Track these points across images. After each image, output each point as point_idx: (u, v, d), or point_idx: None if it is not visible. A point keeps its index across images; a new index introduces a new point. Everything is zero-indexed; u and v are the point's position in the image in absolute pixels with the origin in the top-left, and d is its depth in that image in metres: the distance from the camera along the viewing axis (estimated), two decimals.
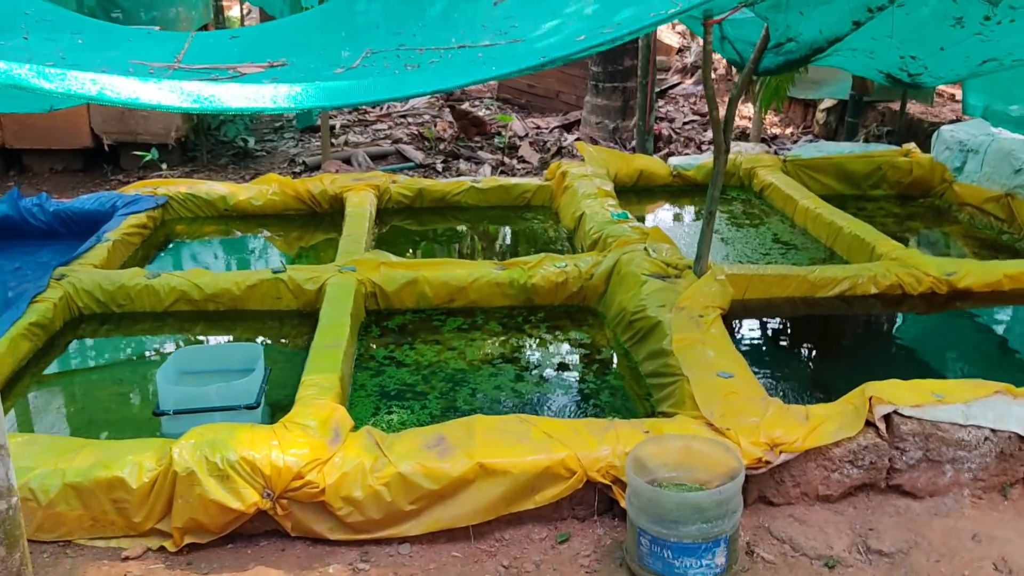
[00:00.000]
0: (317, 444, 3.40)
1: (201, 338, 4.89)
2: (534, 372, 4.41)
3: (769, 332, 5.10)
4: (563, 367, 4.50)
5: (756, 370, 4.06)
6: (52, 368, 4.54)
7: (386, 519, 3.31)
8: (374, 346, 4.67)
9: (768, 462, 3.34)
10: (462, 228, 6.86)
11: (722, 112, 4.53)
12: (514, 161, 9.62)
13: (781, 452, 3.37)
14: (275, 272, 5.07)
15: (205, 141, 9.74)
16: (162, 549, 3.32)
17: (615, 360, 4.61)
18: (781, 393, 4.18)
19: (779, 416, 3.51)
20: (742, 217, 6.81)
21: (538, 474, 3.31)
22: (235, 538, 3.36)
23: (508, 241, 6.63)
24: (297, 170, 9.48)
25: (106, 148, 9.24)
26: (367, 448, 3.40)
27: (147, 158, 8.81)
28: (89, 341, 4.85)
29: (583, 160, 7.46)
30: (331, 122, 11.29)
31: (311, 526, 3.33)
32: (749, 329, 4.98)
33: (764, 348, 4.77)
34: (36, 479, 3.30)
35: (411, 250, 6.37)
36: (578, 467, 3.32)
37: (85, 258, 5.45)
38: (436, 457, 3.35)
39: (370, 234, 6.18)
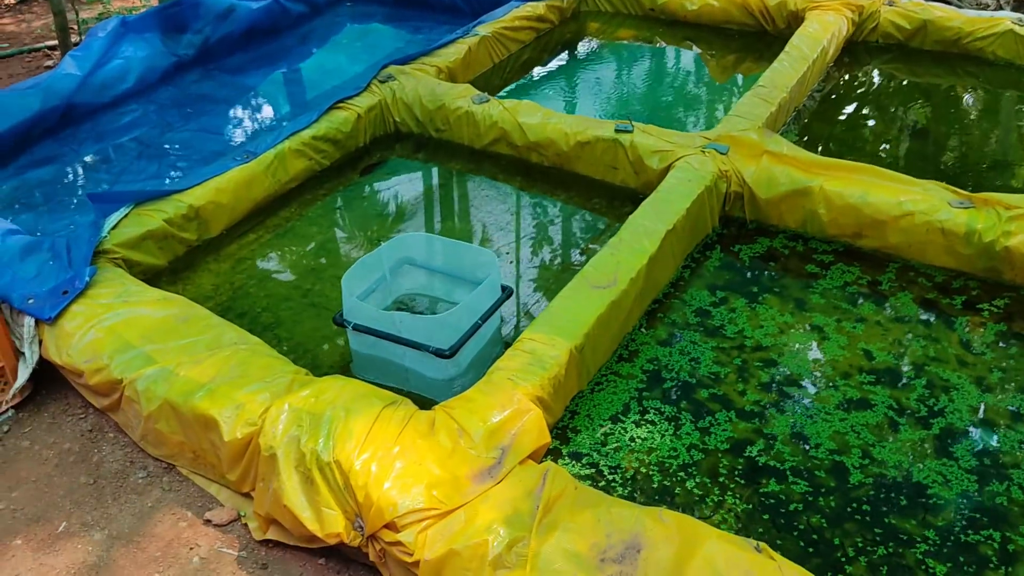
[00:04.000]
0: (450, 476, 2.16)
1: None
2: (922, 421, 2.58)
3: None
4: (986, 426, 2.53)
5: None
6: (329, 198, 3.77)
7: None
8: (696, 286, 3.09)
9: None
10: (968, 96, 4.50)
11: None
12: None
13: None
14: (619, 131, 3.61)
15: None
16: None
17: None
18: None
19: None
20: None
21: None
22: (332, 554, 2.36)
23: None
24: None
25: None
26: (514, 514, 2.07)
27: None
28: (389, 171, 3.99)
29: None
30: None
31: None
32: None
33: None
34: (144, 379, 2.59)
35: (866, 123, 4.30)
36: None
37: (438, 55, 4.50)
38: None
39: (808, 83, 4.28)
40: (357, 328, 2.76)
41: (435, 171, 3.97)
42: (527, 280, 3.23)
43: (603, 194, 3.69)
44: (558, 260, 3.34)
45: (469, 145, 4.00)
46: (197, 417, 2.46)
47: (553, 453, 2.46)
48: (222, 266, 3.37)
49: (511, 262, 3.30)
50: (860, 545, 2.22)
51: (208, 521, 2.49)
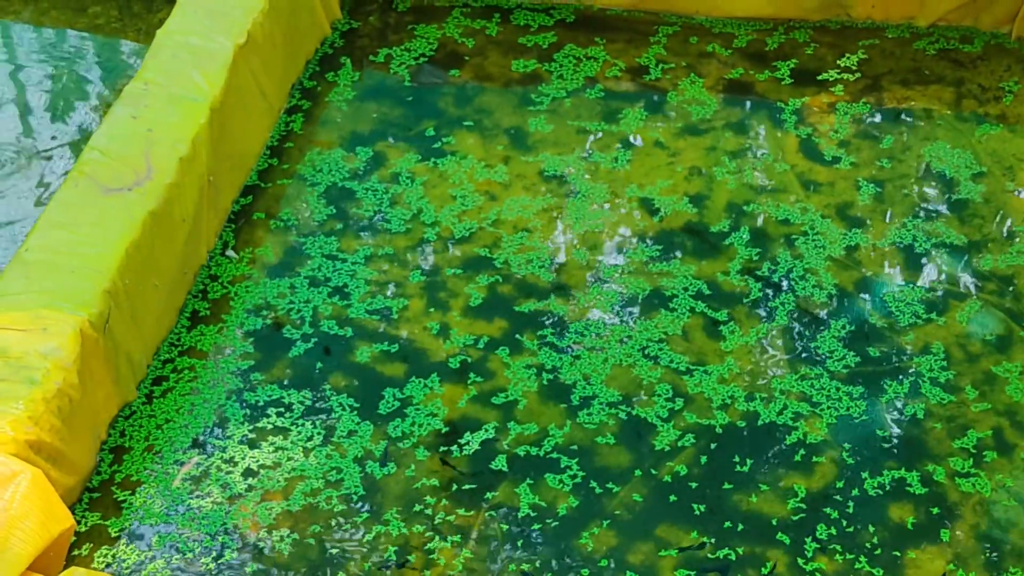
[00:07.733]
0: None
1: None
2: (757, 307, 2.69)
3: None
4: (864, 289, 2.70)
5: None
6: None
7: None
8: (319, 142, 3.07)
9: None
10: None
11: None
12: None
13: None
14: None
15: None
16: None
17: None
18: None
19: None
20: None
21: None
22: None
23: None
24: None
25: None
26: None
27: None
28: None
29: None
30: None
31: None
32: None
33: None
34: None
35: None
36: None
37: None
38: None
39: None
40: None
41: None
42: None
43: None
44: (32, 143, 3.18)
45: None
46: None
47: (90, 540, 2.36)
48: None
49: None
50: (699, 563, 2.21)
51: None
